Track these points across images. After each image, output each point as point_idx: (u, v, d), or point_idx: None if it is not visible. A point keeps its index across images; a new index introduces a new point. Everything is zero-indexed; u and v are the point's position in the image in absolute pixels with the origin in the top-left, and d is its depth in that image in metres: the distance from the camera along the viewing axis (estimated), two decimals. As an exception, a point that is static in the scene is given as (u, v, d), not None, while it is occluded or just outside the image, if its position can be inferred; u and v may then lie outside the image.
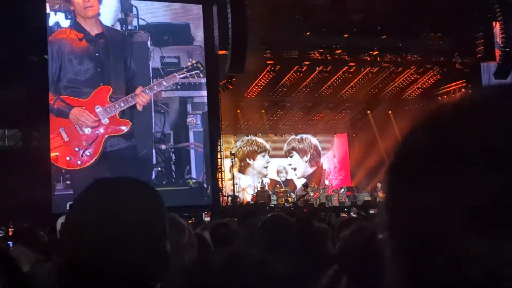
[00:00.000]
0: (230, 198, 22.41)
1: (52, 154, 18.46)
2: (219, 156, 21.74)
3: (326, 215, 17.52)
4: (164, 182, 19.94)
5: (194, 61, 20.55)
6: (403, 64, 26.42)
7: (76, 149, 18.47)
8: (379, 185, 25.76)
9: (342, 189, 26.67)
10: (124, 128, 19.10)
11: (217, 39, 21.28)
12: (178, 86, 20.80)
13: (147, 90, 19.58)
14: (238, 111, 26.90)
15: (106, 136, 18.65)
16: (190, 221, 14.90)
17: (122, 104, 18.65)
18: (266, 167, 28.79)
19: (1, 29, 18.04)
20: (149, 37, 20.60)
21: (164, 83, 20.24)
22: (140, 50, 20.43)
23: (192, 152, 21.08)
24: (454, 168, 0.72)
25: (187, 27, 21.39)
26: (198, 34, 21.24)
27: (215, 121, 21.32)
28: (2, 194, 16.66)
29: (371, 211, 17.26)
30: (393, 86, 28.27)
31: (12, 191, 16.72)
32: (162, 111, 20.45)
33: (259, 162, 28.63)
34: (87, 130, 18.34)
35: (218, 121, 21.68)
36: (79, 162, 18.50)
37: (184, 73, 20.46)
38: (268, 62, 24.13)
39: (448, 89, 27.57)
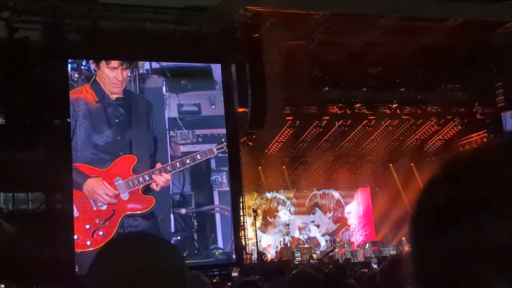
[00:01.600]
0: (255, 255, 22.18)
1: None
2: (241, 214, 21.62)
3: (352, 270, 17.21)
4: (184, 254, 17.13)
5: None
6: (423, 116, 26.44)
7: (87, 226, 16.72)
8: (404, 239, 25.40)
9: (367, 244, 26.30)
10: (147, 207, 17.22)
11: (237, 97, 21.49)
12: (200, 139, 19.06)
13: (168, 167, 17.53)
14: (259, 167, 26.89)
15: (124, 214, 16.79)
16: (214, 280, 14.74)
17: (147, 178, 16.81)
18: (288, 225, 28.52)
19: (24, 92, 18.41)
20: (164, 82, 19.02)
21: (199, 157, 18.44)
22: (154, 97, 18.58)
23: (217, 216, 19.28)
24: (476, 214, 0.72)
25: (208, 69, 20.15)
26: (220, 78, 19.48)
27: (236, 179, 21.30)
28: (26, 257, 16.64)
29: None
30: (414, 138, 28.21)
31: (36, 254, 16.71)
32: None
33: (280, 219, 28.42)
34: (103, 206, 16.62)
35: (239, 178, 21.65)
36: (88, 243, 16.63)
37: (223, 147, 18.87)
38: (287, 118, 24.27)
39: (470, 139, 27.42)
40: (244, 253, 21.32)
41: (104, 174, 16.72)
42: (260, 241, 24.96)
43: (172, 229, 18.00)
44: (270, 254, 26.31)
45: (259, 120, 21.07)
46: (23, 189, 21.33)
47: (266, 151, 26.21)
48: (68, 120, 19.57)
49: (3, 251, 16.28)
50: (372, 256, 24.50)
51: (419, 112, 25.99)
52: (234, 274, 17.85)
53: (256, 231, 23.77)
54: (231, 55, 21.66)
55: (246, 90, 21.05)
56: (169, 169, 17.64)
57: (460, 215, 0.73)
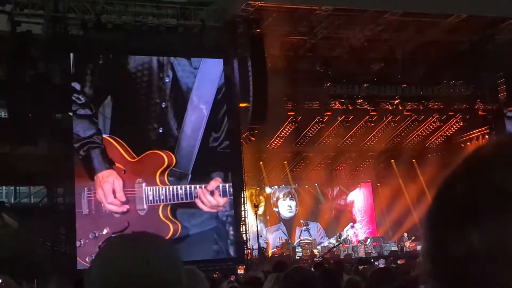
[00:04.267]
0: (256, 250, 22.20)
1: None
2: (242, 209, 21.63)
3: (353, 266, 17.21)
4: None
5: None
6: (425, 112, 26.39)
7: (91, 236, 17.51)
8: (405, 234, 25.40)
9: (368, 240, 26.29)
10: (168, 233, 18.08)
11: (239, 92, 21.47)
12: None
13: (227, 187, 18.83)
14: (261, 163, 26.88)
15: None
16: (215, 275, 14.75)
17: (180, 193, 18.00)
18: (289, 220, 28.47)
19: (26, 86, 18.42)
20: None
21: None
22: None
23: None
24: (497, 211, 0.70)
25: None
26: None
27: (238, 174, 21.30)
28: (28, 250, 16.67)
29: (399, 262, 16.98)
30: (416, 134, 28.17)
31: (37, 247, 16.75)
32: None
33: (281, 214, 28.36)
34: (115, 213, 17.20)
35: (241, 173, 21.66)
36: (88, 260, 16.82)
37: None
38: (289, 113, 24.25)
39: (471, 135, 27.40)
40: (245, 248, 21.35)
41: (130, 165, 16.89)
42: (261, 236, 24.97)
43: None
44: (271, 249, 26.31)
45: (261, 115, 21.07)
46: (25, 182, 21.38)
47: (267, 146, 26.18)
48: (70, 114, 19.59)
49: (4, 244, 16.32)
50: (373, 251, 24.50)
51: (421, 108, 25.95)
52: (240, 271, 17.84)
53: (257, 226, 23.77)
54: (233, 50, 21.64)
55: (248, 85, 21.04)
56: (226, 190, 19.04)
57: (480, 212, 0.71)
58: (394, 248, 24.34)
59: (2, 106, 20.11)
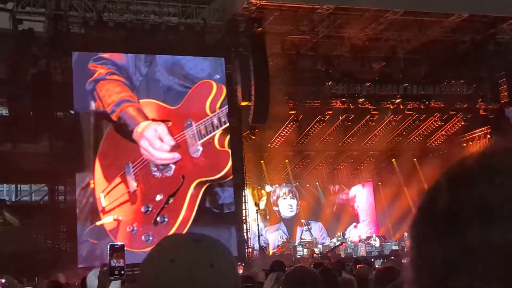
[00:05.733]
0: (257, 249, 22.21)
1: (106, 222, 16.80)
2: (243, 207, 21.63)
3: (354, 265, 17.23)
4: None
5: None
6: (427, 111, 26.37)
7: (143, 209, 17.07)
8: (406, 234, 25.38)
9: (370, 239, 26.27)
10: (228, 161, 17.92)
11: (240, 91, 21.47)
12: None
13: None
14: (262, 161, 26.88)
15: (198, 179, 17.07)
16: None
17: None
18: (290, 219, 28.42)
19: (27, 84, 18.44)
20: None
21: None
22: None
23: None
24: (480, 222, 0.71)
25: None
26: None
27: (239, 172, 21.30)
28: (29, 248, 16.73)
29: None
30: (417, 134, 28.15)
31: (38, 245, 16.79)
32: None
33: (282, 213, 28.32)
34: (168, 171, 16.73)
35: (242, 172, 21.65)
36: (144, 238, 16.95)
37: None
38: (291, 112, 24.24)
39: (473, 135, 27.37)
40: (246, 247, 21.36)
41: (175, 113, 16.58)
42: (262, 235, 24.97)
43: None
44: (272, 248, 26.30)
45: (262, 114, 21.06)
46: (26, 180, 21.41)
47: (269, 145, 26.17)
48: (72, 112, 19.60)
49: (6, 242, 16.35)
50: (374, 250, 24.49)
51: (422, 107, 25.93)
52: (239, 271, 17.86)
53: (258, 225, 23.77)
54: (234, 48, 21.64)
55: (249, 84, 21.03)
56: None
57: (462, 224, 0.71)
58: (395, 247, 24.33)
59: (3, 104, 20.12)
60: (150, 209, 17.94)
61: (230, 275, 1.41)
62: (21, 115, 18.70)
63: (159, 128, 18.53)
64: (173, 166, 18.69)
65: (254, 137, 22.88)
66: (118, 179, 18.38)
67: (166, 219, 17.51)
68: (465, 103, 26.29)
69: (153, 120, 18.93)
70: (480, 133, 26.92)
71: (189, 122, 19.30)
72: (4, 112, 20.60)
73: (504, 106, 25.85)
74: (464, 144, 27.49)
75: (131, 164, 18.71)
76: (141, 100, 19.42)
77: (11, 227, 18.03)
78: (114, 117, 18.95)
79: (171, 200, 16.85)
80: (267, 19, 21.32)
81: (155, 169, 18.57)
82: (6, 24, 19.29)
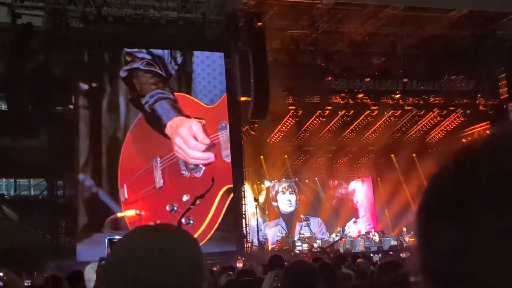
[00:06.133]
0: (256, 244, 22.23)
1: (127, 215, 16.41)
2: (243, 203, 21.64)
3: (353, 261, 17.24)
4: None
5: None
6: (426, 107, 26.38)
7: (168, 208, 16.53)
8: (404, 229, 25.41)
9: (369, 234, 26.30)
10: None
11: (239, 86, 21.45)
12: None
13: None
14: (261, 157, 26.87)
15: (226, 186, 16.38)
16: (215, 269, 14.77)
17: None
18: (289, 214, 28.41)
19: (26, 78, 18.41)
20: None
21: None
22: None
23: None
24: (489, 207, 0.69)
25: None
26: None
27: (238, 168, 21.28)
28: (28, 243, 16.73)
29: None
30: (416, 129, 28.17)
31: (37, 239, 16.79)
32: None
33: (281, 209, 28.31)
34: (198, 171, 16.15)
35: (241, 167, 21.64)
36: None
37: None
38: (290, 107, 24.23)
39: (472, 131, 27.36)
40: (245, 242, 21.38)
41: (210, 112, 16.27)
42: (261, 230, 24.98)
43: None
44: (271, 243, 26.30)
45: (262, 109, 21.04)
46: (25, 175, 21.40)
47: (268, 140, 26.17)
48: (71, 106, 19.58)
49: (4, 237, 16.35)
50: (372, 245, 24.51)
51: (421, 103, 25.94)
52: (239, 264, 17.85)
53: (257, 220, 23.78)
54: (234, 43, 21.60)
55: (249, 79, 21.01)
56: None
57: (470, 209, 0.71)
58: (394, 242, 24.35)
59: (2, 99, 20.10)
60: (175, 208, 17.52)
61: (182, 258, 1.46)
62: (20, 109, 18.68)
63: (194, 126, 18.22)
64: (203, 167, 18.40)
65: (253, 132, 22.87)
66: (143, 172, 18.10)
67: (192, 222, 17.00)
68: (465, 98, 26.30)
69: (187, 116, 18.67)
70: (480, 128, 26.91)
71: (223, 124, 19.22)
72: (3, 106, 20.58)
73: (504, 102, 25.86)
74: (464, 140, 27.48)
75: (159, 159, 18.45)
76: (176, 93, 19.33)
77: (9, 221, 18.03)
78: (147, 108, 18.85)
79: (197, 202, 16.11)
80: (267, 14, 21.29)
81: (184, 167, 18.28)
82: (5, 18, 19.23)
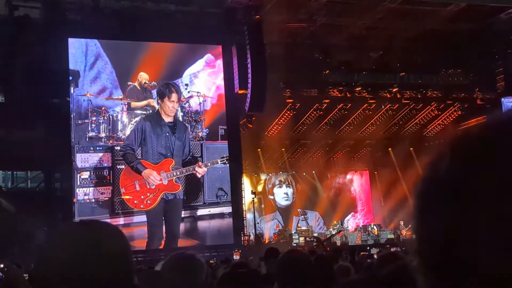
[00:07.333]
0: (253, 236, 22.27)
1: (126, 197, 19.76)
2: (241, 195, 21.67)
3: (350, 254, 17.27)
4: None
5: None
6: (424, 101, 26.40)
7: (142, 197, 19.79)
8: (401, 223, 25.48)
9: (365, 227, 26.34)
10: (176, 189, 20.33)
11: (237, 79, 21.44)
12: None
13: (203, 165, 20.60)
14: (259, 150, 26.88)
15: (163, 191, 19.90)
16: (212, 261, 14.81)
17: (178, 173, 20.04)
18: (286, 207, 28.38)
19: (24, 70, 18.37)
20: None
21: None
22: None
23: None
24: (484, 193, 0.71)
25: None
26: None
27: (236, 161, 21.30)
28: (25, 235, 16.71)
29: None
30: (413, 123, 28.19)
31: (35, 231, 16.77)
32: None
33: (278, 202, 28.29)
34: (152, 185, 19.78)
35: (239, 160, 21.66)
36: (142, 206, 19.87)
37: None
38: (288, 100, 24.23)
39: (469, 124, 27.35)
40: (242, 235, 21.42)
41: (156, 168, 19.78)
42: (258, 223, 25.02)
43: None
44: (268, 237, 26.31)
45: (259, 103, 21.05)
46: (22, 167, 21.37)
47: (265, 133, 26.18)
48: (68, 99, 19.55)
49: (1, 229, 16.35)
50: (369, 239, 24.57)
51: (419, 96, 25.96)
52: (236, 257, 17.91)
53: (254, 213, 23.80)
54: (232, 36, 21.58)
55: (246, 72, 21.00)
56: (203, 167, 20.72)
57: (466, 194, 0.72)
58: (391, 236, 24.42)
59: (-1, 91, 20.06)
60: (144, 197, 19.91)
61: (114, 253, 1.50)
62: (17, 101, 18.65)
63: (154, 174, 20.16)
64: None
65: (251, 126, 22.88)
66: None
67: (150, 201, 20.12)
68: (462, 92, 26.33)
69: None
70: (477, 122, 26.84)
71: (162, 172, 20.05)
72: (0, 98, 20.53)
73: (501, 96, 25.89)
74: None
75: (137, 181, 19.85)
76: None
77: (7, 213, 18.02)
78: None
79: (152, 195, 19.90)
80: (265, 7, 21.24)
81: (147, 184, 19.79)
82: (2, 10, 19.18)
